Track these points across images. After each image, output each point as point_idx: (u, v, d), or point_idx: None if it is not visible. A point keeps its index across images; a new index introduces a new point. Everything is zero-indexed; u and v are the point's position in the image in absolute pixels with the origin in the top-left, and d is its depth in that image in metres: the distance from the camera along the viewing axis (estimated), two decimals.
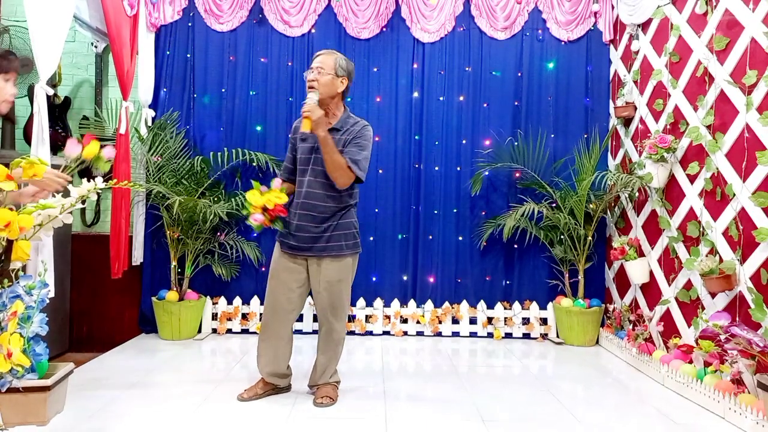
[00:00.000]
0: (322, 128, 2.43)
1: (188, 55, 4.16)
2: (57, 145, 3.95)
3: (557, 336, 4.07)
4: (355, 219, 2.69)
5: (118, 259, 3.58)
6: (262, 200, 2.47)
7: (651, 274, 3.52)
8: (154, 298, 3.89)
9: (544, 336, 4.11)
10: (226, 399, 2.69)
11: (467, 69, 4.19)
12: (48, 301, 2.34)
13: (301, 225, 2.58)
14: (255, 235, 4.13)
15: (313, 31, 4.17)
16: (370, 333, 4.09)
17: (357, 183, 2.60)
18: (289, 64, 4.17)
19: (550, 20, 4.17)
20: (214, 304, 4.09)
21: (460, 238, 4.18)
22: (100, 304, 3.64)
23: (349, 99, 4.04)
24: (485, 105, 4.19)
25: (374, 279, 4.18)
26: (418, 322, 4.12)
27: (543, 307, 4.14)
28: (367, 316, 4.12)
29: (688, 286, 3.13)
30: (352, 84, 2.68)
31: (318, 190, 2.57)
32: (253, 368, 3.25)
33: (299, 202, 2.60)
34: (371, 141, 2.60)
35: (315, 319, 4.08)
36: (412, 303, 4.15)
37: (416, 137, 4.19)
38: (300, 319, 4.06)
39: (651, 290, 3.53)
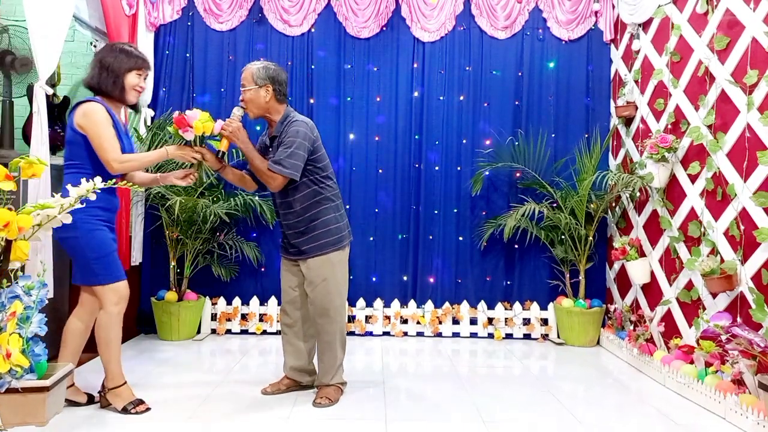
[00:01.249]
0: (242, 140, 2.51)
1: (187, 55, 4.15)
2: (56, 145, 3.94)
3: (558, 336, 4.06)
4: (332, 215, 2.65)
5: None
6: (204, 128, 2.45)
7: (652, 274, 3.51)
8: (153, 299, 3.88)
9: (545, 336, 4.10)
10: (225, 399, 2.68)
11: (467, 68, 4.18)
12: (47, 302, 2.34)
13: (284, 232, 2.70)
14: (254, 235, 4.13)
15: (312, 30, 4.16)
16: (370, 333, 4.08)
17: (291, 181, 2.55)
18: (289, 63, 4.16)
19: (550, 19, 4.16)
20: (213, 304, 4.08)
21: (461, 238, 4.17)
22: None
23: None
24: (486, 104, 4.19)
25: (374, 279, 4.17)
26: (418, 323, 4.11)
27: (544, 307, 4.13)
28: (367, 316, 4.11)
29: (689, 286, 3.13)
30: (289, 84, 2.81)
31: (284, 197, 2.63)
32: (253, 369, 3.26)
33: (279, 212, 2.71)
34: (299, 136, 2.53)
35: None
36: (412, 303, 4.15)
37: (416, 137, 4.18)
38: None
39: (652, 290, 3.52)
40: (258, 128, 4.13)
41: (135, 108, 2.93)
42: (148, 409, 2.50)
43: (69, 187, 2.26)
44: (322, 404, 2.62)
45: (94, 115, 2.41)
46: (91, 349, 3.48)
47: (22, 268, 2.30)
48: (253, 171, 2.59)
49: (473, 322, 4.12)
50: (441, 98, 4.17)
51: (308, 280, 2.64)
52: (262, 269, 4.14)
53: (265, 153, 2.67)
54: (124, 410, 2.46)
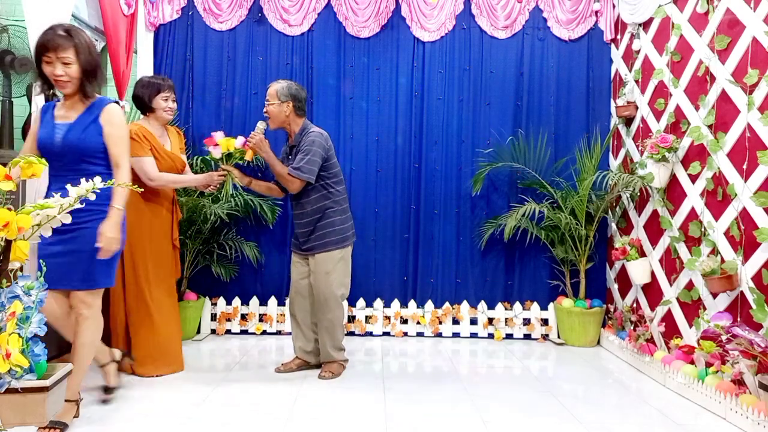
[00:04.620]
0: (265, 150, 2.95)
1: (187, 55, 4.15)
2: None
3: (558, 336, 4.06)
4: (338, 218, 3.04)
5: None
6: (228, 145, 3.03)
7: (652, 274, 3.51)
8: None
9: (545, 337, 4.10)
10: (225, 400, 2.68)
11: (467, 68, 4.18)
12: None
13: (298, 231, 3.10)
14: (254, 235, 4.13)
15: (312, 30, 4.16)
16: (370, 334, 4.08)
17: (308, 185, 2.96)
18: (288, 63, 4.16)
19: (551, 19, 4.16)
20: (213, 304, 4.08)
21: (461, 238, 4.17)
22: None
23: (350, 98, 4.07)
24: (486, 104, 4.18)
25: (374, 279, 4.17)
26: (418, 323, 4.11)
27: (544, 307, 4.13)
28: (367, 316, 4.10)
29: (690, 286, 3.12)
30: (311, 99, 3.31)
31: (301, 198, 3.03)
32: (253, 369, 3.26)
33: (294, 212, 3.12)
34: (315, 145, 2.93)
35: None
36: (412, 303, 4.14)
37: (416, 137, 4.18)
38: None
39: (652, 290, 3.52)
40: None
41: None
42: None
43: (69, 186, 2.26)
44: (326, 377, 3.01)
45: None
46: None
47: (22, 268, 2.30)
48: (275, 176, 3.02)
49: (473, 322, 4.12)
50: (441, 98, 4.17)
51: (314, 273, 3.03)
52: (262, 269, 4.13)
53: (285, 160, 3.08)
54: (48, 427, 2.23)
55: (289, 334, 4.04)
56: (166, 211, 3.13)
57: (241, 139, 3.02)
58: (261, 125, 2.99)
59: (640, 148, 3.70)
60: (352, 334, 4.03)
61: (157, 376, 2.99)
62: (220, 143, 2.99)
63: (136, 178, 2.83)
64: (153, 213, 3.05)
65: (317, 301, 3.03)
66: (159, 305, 3.04)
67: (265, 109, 3.01)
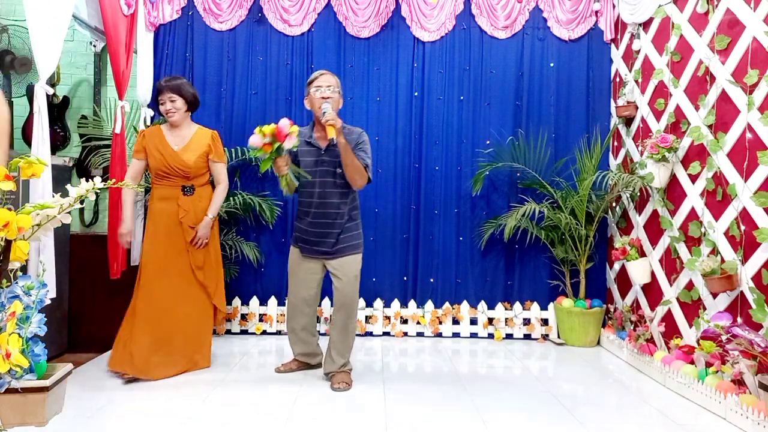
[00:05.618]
0: (343, 136, 2.70)
1: (187, 55, 4.15)
2: (56, 145, 3.94)
3: (558, 336, 4.06)
4: (360, 220, 3.02)
5: (116, 259, 3.56)
6: (271, 128, 2.58)
7: (652, 274, 3.51)
8: None
9: (545, 337, 4.10)
10: (225, 400, 2.68)
11: (467, 68, 4.18)
12: (47, 302, 2.33)
13: (318, 231, 2.88)
14: (254, 235, 4.13)
15: (312, 30, 4.16)
16: (370, 334, 4.08)
17: (367, 184, 2.87)
18: (288, 63, 4.16)
19: (551, 19, 4.16)
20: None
21: (461, 239, 4.16)
22: (98, 305, 3.63)
23: (350, 98, 4.08)
24: (486, 104, 4.18)
25: (374, 279, 4.17)
26: (418, 323, 4.11)
27: (544, 307, 4.13)
28: (367, 316, 4.10)
29: (690, 286, 3.12)
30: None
31: (330, 198, 2.85)
32: (253, 369, 3.25)
33: (313, 212, 2.87)
34: (368, 144, 2.88)
35: None
36: (412, 303, 4.14)
37: (416, 137, 4.18)
38: None
39: (652, 290, 3.52)
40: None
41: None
42: None
43: (69, 186, 2.26)
44: (341, 388, 2.86)
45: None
46: (90, 349, 3.49)
47: (22, 268, 2.30)
48: (348, 167, 2.75)
49: (473, 322, 4.12)
50: (441, 98, 4.17)
51: (340, 277, 2.89)
52: (262, 269, 4.13)
53: (310, 155, 2.86)
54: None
55: None
56: (168, 213, 3.10)
57: (285, 120, 2.64)
58: (330, 108, 2.71)
59: (640, 148, 3.70)
60: None
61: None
62: (292, 132, 2.59)
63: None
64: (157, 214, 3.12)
65: (342, 306, 2.90)
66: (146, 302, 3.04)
67: (325, 95, 2.78)
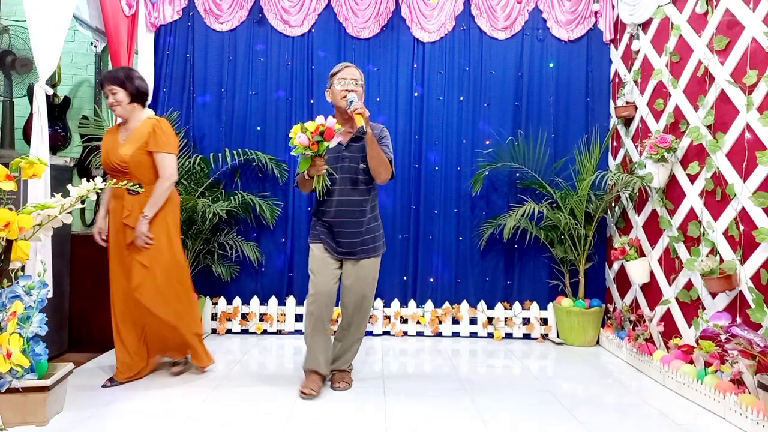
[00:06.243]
0: (369, 126, 2.60)
1: (188, 55, 4.16)
2: (56, 145, 3.95)
3: (557, 336, 4.06)
4: (380, 221, 2.91)
5: None
6: (315, 124, 2.47)
7: (651, 274, 3.51)
8: None
9: (545, 336, 4.10)
10: (225, 400, 2.69)
11: (467, 69, 4.18)
12: (47, 302, 2.34)
13: (340, 231, 2.74)
14: (254, 235, 4.13)
15: (313, 30, 4.17)
16: (370, 333, 4.09)
17: (390, 179, 2.77)
18: (289, 63, 4.16)
19: (550, 20, 4.17)
20: (213, 304, 4.09)
21: (460, 238, 4.17)
22: (99, 305, 3.63)
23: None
24: (485, 105, 4.19)
25: None
26: (418, 323, 4.12)
27: (543, 307, 4.14)
28: None
29: (689, 286, 3.13)
30: None
31: (352, 196, 2.74)
32: (254, 368, 3.25)
33: (333, 210, 2.74)
34: (390, 140, 2.81)
35: None
36: (412, 303, 4.15)
37: (416, 137, 4.18)
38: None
39: (651, 290, 3.52)
40: (258, 128, 4.14)
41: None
42: None
43: (70, 187, 2.27)
44: (342, 388, 2.84)
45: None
46: (91, 349, 3.49)
47: (23, 268, 2.30)
48: (374, 159, 2.65)
49: (473, 321, 4.13)
50: (441, 98, 4.18)
51: (359, 278, 2.78)
52: (263, 269, 4.14)
53: (332, 151, 2.71)
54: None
55: (291, 333, 4.06)
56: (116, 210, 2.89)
57: (321, 118, 2.52)
58: (354, 95, 2.64)
59: (639, 149, 3.71)
60: None
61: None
62: (338, 130, 2.53)
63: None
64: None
65: (359, 308, 2.82)
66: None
67: (352, 88, 2.69)
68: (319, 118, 2.50)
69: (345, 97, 2.67)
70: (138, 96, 2.86)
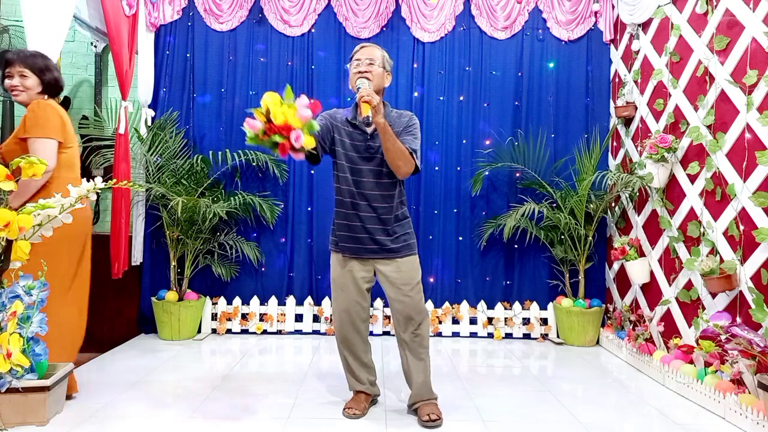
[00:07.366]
0: (381, 116, 2.24)
1: (188, 55, 4.16)
2: None
3: (557, 336, 4.06)
4: (410, 217, 2.57)
5: (118, 259, 3.58)
6: (276, 110, 2.05)
7: (651, 274, 3.51)
8: (153, 298, 3.89)
9: (545, 336, 4.10)
10: (225, 400, 2.69)
11: (467, 69, 4.18)
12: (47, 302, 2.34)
13: (367, 228, 2.41)
14: (254, 235, 4.14)
15: (313, 30, 4.17)
16: (371, 333, 4.08)
17: (414, 173, 2.44)
18: (289, 63, 4.17)
19: (550, 20, 4.17)
20: (213, 304, 4.09)
21: (460, 238, 4.17)
22: (99, 304, 3.64)
23: (349, 99, 4.08)
24: (485, 105, 4.19)
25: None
26: None
27: (543, 307, 4.14)
28: None
29: (689, 286, 3.13)
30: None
31: (379, 190, 2.41)
32: (254, 368, 3.25)
33: (362, 204, 2.41)
34: (418, 129, 2.48)
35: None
36: None
37: None
38: None
39: (651, 290, 3.52)
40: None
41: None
42: None
43: (69, 186, 2.27)
44: (435, 420, 2.39)
45: None
46: (90, 349, 3.49)
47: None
48: (390, 151, 2.30)
49: (473, 321, 4.13)
50: (441, 98, 4.18)
51: (401, 282, 2.42)
52: (263, 269, 4.14)
53: (356, 140, 2.43)
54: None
55: (291, 333, 4.06)
56: None
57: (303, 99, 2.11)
58: (368, 84, 2.30)
59: (639, 149, 3.71)
60: None
61: None
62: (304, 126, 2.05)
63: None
64: None
65: (412, 317, 2.43)
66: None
67: (363, 70, 2.35)
68: (302, 98, 2.10)
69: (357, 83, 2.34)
70: (50, 89, 2.54)
